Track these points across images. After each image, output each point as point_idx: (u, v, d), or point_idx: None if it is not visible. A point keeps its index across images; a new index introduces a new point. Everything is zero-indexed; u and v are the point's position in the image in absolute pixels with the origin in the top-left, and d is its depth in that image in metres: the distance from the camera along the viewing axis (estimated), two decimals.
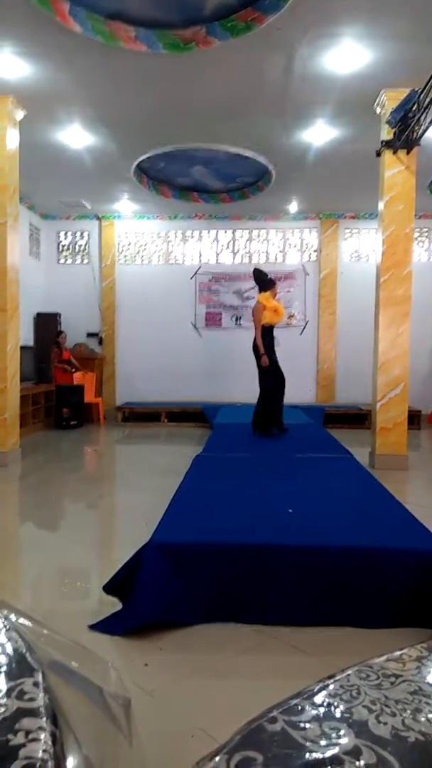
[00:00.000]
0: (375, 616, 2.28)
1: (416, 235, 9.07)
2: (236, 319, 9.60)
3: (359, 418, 8.16)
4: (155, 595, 2.30)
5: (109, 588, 2.41)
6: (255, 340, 5.64)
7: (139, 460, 6.58)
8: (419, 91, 4.49)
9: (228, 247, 9.76)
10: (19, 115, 5.49)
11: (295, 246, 9.71)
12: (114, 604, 2.38)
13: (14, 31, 4.27)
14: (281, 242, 9.70)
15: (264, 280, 5.86)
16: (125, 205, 9.00)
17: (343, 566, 2.34)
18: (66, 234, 9.84)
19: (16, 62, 4.69)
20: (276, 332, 5.90)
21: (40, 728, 0.62)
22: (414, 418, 7.68)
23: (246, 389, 8.12)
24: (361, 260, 9.59)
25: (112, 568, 2.48)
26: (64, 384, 8.35)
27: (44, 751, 0.60)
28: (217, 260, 9.74)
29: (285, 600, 2.34)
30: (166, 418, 8.65)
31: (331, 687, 0.79)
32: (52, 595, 2.77)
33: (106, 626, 2.25)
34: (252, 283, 9.31)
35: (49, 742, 0.61)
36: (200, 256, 9.75)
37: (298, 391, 9.10)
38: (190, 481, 3.62)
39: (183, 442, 7.04)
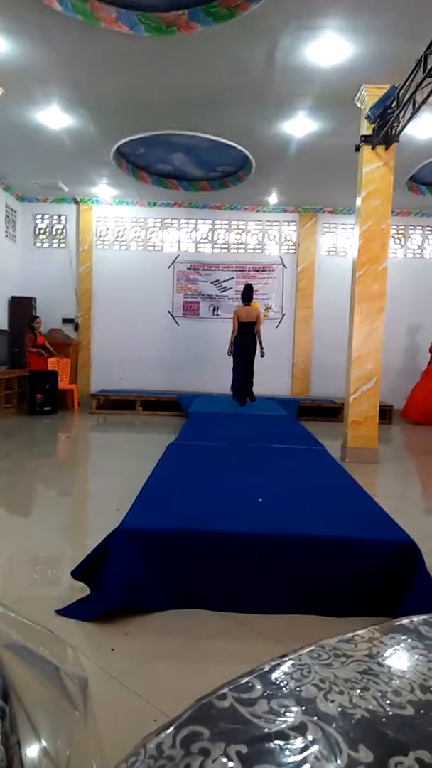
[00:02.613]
0: (341, 605, 2.33)
1: (393, 232, 9.16)
2: (213, 309, 9.58)
3: (332, 411, 8.26)
4: (123, 580, 2.31)
5: (78, 573, 2.41)
6: (259, 337, 7.41)
7: (113, 447, 6.56)
8: (399, 87, 4.52)
9: (207, 238, 9.70)
10: None
11: (273, 238, 9.71)
12: (83, 590, 2.39)
13: None
14: (260, 234, 9.69)
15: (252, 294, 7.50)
16: (104, 189, 8.87)
17: (311, 556, 2.38)
18: (43, 217, 9.65)
19: None
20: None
21: None
22: (386, 413, 7.81)
23: (222, 379, 8.17)
24: (339, 255, 9.65)
25: (82, 553, 2.48)
26: (38, 369, 8.25)
27: None
28: (196, 249, 9.69)
29: (252, 587, 2.37)
30: (141, 406, 8.62)
31: (283, 666, 0.81)
32: (22, 581, 2.76)
33: (73, 611, 2.26)
34: (230, 274, 9.45)
35: None
36: (179, 244, 9.68)
37: (274, 382, 9.18)
38: (162, 468, 3.62)
39: (157, 430, 7.03)
